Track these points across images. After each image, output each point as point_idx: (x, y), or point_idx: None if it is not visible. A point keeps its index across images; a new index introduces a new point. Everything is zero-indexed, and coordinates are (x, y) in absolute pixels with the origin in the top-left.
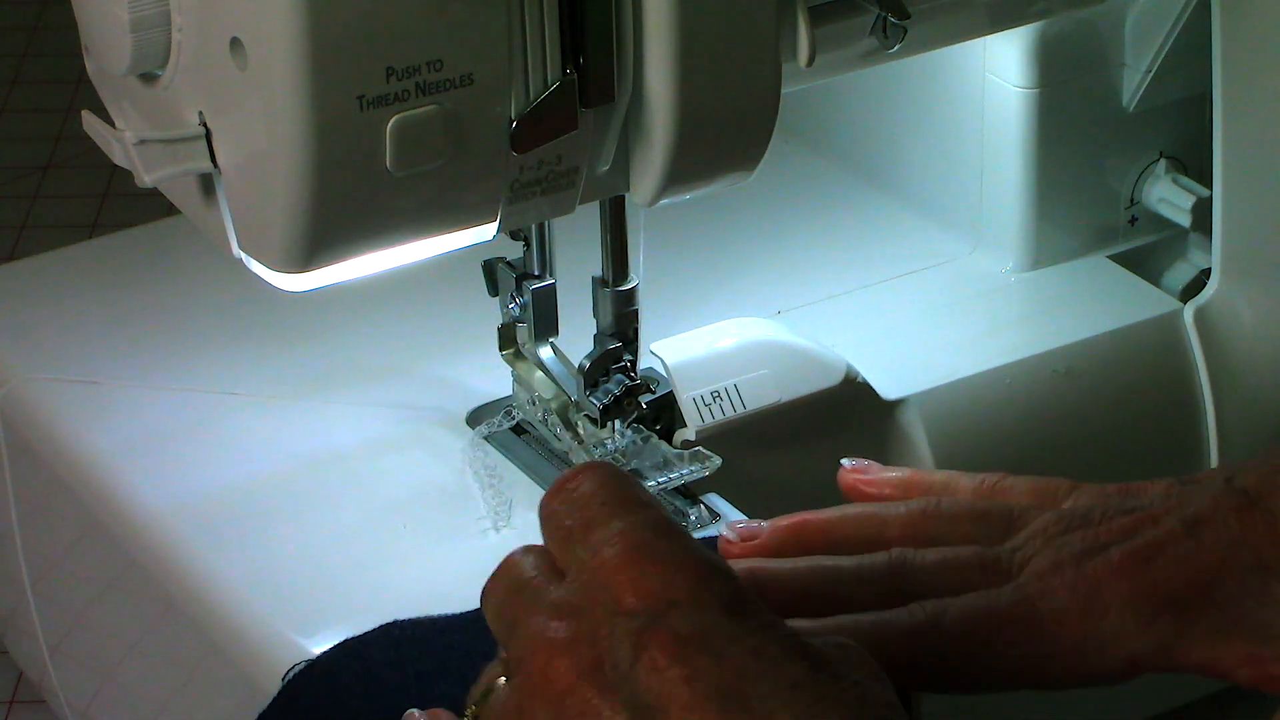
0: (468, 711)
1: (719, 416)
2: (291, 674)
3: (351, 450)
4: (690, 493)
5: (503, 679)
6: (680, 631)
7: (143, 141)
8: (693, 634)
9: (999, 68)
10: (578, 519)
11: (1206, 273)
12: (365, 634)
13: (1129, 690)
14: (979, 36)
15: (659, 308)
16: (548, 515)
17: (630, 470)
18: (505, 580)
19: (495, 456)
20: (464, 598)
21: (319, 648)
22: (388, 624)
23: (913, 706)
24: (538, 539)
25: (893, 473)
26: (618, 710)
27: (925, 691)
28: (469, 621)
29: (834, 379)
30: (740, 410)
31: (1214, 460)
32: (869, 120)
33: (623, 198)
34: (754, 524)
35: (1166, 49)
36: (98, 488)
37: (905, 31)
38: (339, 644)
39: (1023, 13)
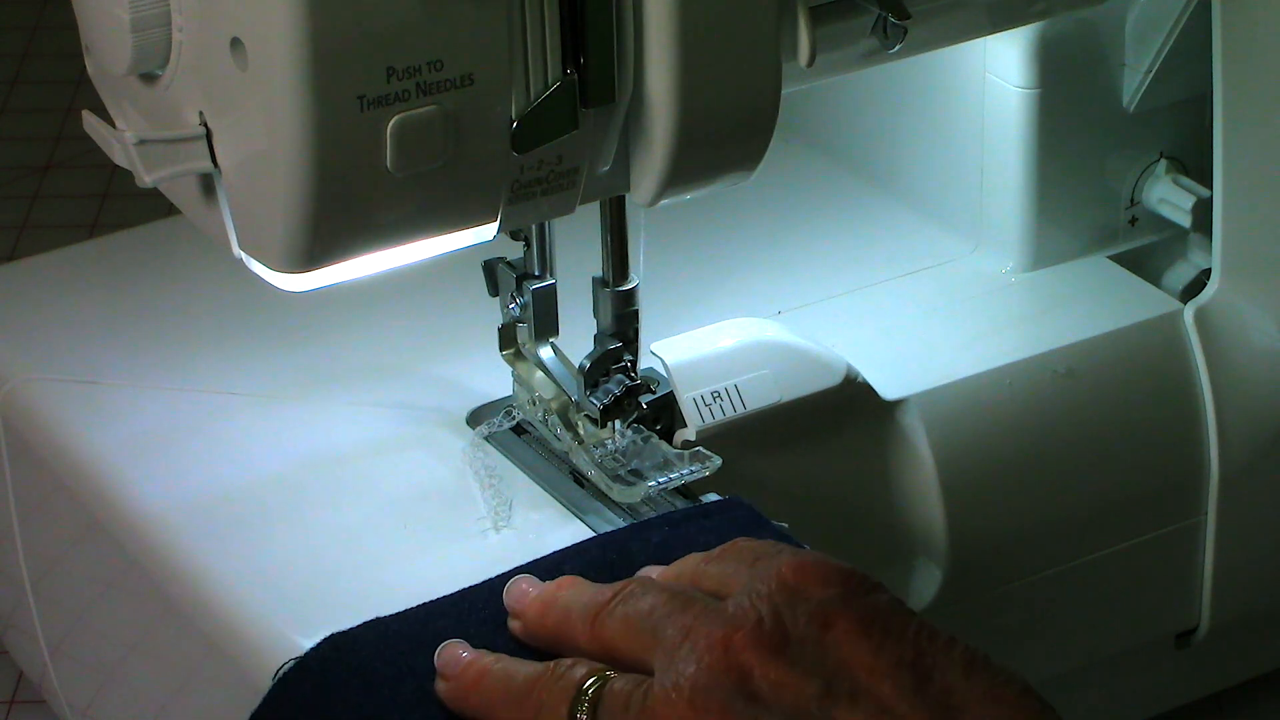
0: (576, 719)
1: (719, 416)
2: (282, 672)
3: (351, 450)
4: (690, 493)
5: (596, 681)
6: (863, 611)
7: (143, 141)
8: (874, 615)
9: (999, 68)
10: (743, 558)
11: (1206, 273)
12: (351, 629)
13: (1129, 690)
14: (979, 36)
15: (659, 308)
16: (697, 574)
17: (630, 470)
18: (636, 598)
19: (495, 456)
20: None
21: None
22: (371, 620)
23: None
24: (538, 540)
25: None
26: (809, 680)
27: None
28: (452, 605)
29: (834, 379)
30: (740, 410)
31: (1214, 460)
32: (869, 120)
33: (623, 198)
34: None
35: (1166, 49)
36: (98, 488)
37: (905, 31)
38: (326, 640)
39: (1023, 13)
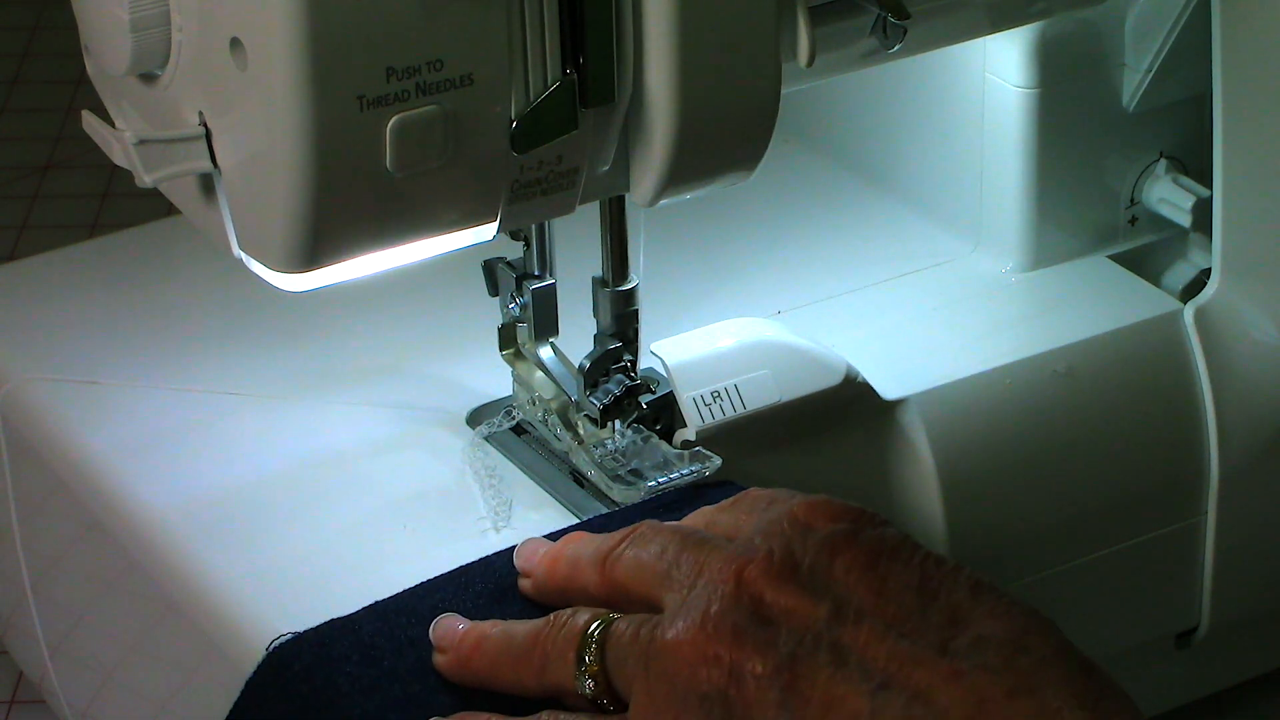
0: (585, 661)
1: (719, 416)
2: (276, 644)
3: (351, 450)
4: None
5: (600, 624)
6: (870, 542)
7: (143, 141)
8: (881, 545)
9: (999, 68)
10: (756, 505)
11: (1206, 273)
12: (351, 614)
13: (1129, 690)
14: (979, 36)
15: (659, 308)
16: (709, 523)
17: (630, 470)
18: (646, 539)
19: (495, 456)
20: None
21: None
22: (371, 604)
23: None
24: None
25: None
26: (819, 603)
27: None
28: (449, 580)
29: (834, 379)
30: (740, 410)
31: (1214, 460)
32: (869, 120)
33: (623, 198)
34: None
35: (1166, 49)
36: (98, 488)
37: (905, 31)
38: (326, 621)
39: (1023, 13)
